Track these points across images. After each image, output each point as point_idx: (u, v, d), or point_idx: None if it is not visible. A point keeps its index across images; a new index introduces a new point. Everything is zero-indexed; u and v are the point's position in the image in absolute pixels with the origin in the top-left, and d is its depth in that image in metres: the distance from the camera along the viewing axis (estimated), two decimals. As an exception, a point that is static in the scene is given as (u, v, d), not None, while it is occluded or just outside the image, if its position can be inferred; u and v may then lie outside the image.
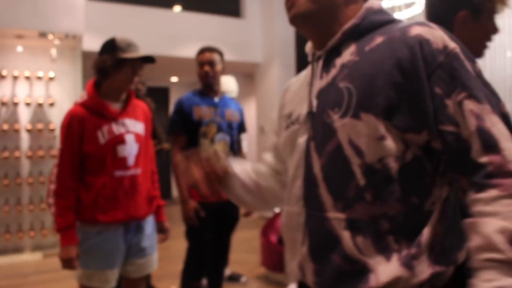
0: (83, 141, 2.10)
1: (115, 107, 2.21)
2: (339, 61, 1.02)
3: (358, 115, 0.93)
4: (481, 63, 1.09)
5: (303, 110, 1.08)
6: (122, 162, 2.15)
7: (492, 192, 0.85)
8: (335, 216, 0.96)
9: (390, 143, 0.92)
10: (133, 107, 2.29)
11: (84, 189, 2.11)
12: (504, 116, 0.89)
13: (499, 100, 0.92)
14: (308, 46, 1.15)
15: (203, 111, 2.86)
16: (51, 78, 5.23)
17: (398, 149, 0.92)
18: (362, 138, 0.93)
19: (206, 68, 2.90)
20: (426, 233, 0.92)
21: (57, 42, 5.23)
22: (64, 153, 2.10)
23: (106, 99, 2.18)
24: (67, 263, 2.06)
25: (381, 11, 1.05)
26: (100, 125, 2.12)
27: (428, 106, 0.90)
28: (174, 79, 10.80)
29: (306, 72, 1.19)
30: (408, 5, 4.39)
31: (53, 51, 5.26)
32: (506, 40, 4.56)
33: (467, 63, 0.91)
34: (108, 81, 2.17)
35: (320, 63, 1.06)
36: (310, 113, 1.05)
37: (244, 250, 5.07)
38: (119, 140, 2.15)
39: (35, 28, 4.91)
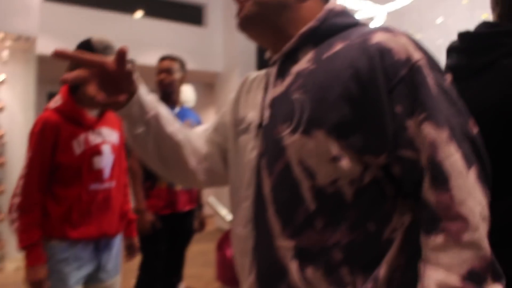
0: (56, 150, 1.90)
1: (92, 114, 2.02)
2: (295, 68, 0.92)
3: (309, 132, 0.83)
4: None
5: (254, 119, 0.99)
6: (98, 175, 1.98)
7: (437, 239, 0.75)
8: (283, 244, 0.87)
9: (345, 164, 0.81)
10: (109, 114, 2.10)
11: (53, 202, 1.92)
12: (470, 139, 0.79)
13: (466, 121, 0.80)
14: (267, 51, 1.06)
15: None
16: (1, 82, 4.98)
17: (355, 171, 0.82)
18: (313, 158, 0.83)
19: (162, 76, 2.81)
20: (384, 265, 0.82)
21: (9, 43, 5.00)
22: (32, 163, 1.89)
23: (82, 106, 1.98)
24: (36, 286, 1.86)
25: (343, 13, 0.96)
26: (76, 134, 1.93)
27: (387, 126, 0.79)
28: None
29: (267, 71, 1.08)
30: (369, 19, 4.44)
31: (5, 53, 5.02)
32: None
33: (430, 78, 0.80)
34: (84, 88, 1.92)
35: (275, 68, 0.97)
36: (260, 126, 0.95)
37: (199, 264, 4.94)
38: (96, 150, 1.97)
39: (-14, 28, 4.68)
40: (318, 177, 0.83)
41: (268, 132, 0.91)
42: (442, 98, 0.79)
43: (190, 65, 7.72)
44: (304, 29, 0.92)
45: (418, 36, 5.10)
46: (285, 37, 0.95)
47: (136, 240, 2.30)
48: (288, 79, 0.92)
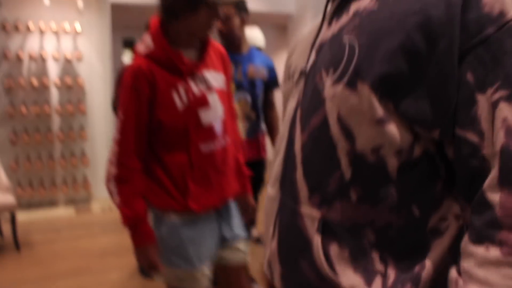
0: (155, 106, 1.54)
1: (190, 57, 1.62)
2: (355, 6, 0.75)
3: (354, 84, 0.67)
4: None
5: (299, 64, 0.86)
6: (208, 132, 1.61)
7: (491, 251, 0.57)
8: (309, 213, 0.75)
9: (392, 130, 0.66)
10: (211, 54, 1.70)
11: (162, 170, 1.60)
12: None
13: None
14: None
15: None
16: (78, 32, 5.10)
17: (403, 140, 0.66)
18: (355, 117, 0.68)
19: (219, 25, 2.68)
20: (428, 263, 0.68)
21: (82, -8, 5.07)
22: (126, 124, 1.55)
23: (177, 47, 1.59)
24: (149, 267, 1.61)
25: None
26: (174, 84, 1.55)
27: (450, 96, 0.62)
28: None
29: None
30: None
31: (80, 3, 5.11)
32: None
33: None
34: (180, 25, 1.55)
35: (334, 4, 0.80)
36: (304, 71, 0.82)
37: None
38: (202, 102, 1.60)
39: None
40: (358, 140, 0.69)
41: (311, 79, 0.78)
42: None
43: (261, 7, 7.56)
44: None
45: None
46: None
47: (251, 199, 1.97)
48: (344, 19, 0.76)
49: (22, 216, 4.58)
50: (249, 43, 3.11)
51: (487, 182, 0.59)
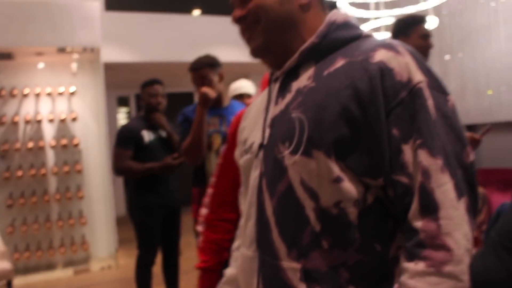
0: None
1: None
2: (295, 85, 0.90)
3: (309, 152, 0.81)
4: None
5: (256, 138, 0.97)
6: None
7: (419, 265, 0.74)
8: (290, 266, 0.85)
9: (347, 186, 0.80)
10: None
11: None
12: (464, 168, 0.77)
13: (462, 148, 0.78)
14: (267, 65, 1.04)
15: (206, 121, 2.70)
16: (72, 93, 5.20)
17: (357, 192, 0.81)
18: (315, 179, 0.81)
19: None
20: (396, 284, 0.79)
21: (76, 56, 5.20)
22: (222, 169, 1.51)
23: None
24: None
25: (346, 24, 0.91)
26: None
27: (384, 149, 0.78)
28: (197, 84, 10.77)
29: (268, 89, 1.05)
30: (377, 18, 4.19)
31: (73, 66, 5.23)
32: None
33: (430, 102, 0.77)
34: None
35: (277, 85, 0.95)
36: (261, 145, 0.93)
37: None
38: None
39: (54, 44, 4.89)
40: (321, 198, 0.82)
41: (268, 152, 0.90)
42: (441, 123, 0.77)
43: (253, 58, 7.72)
44: (305, 45, 0.90)
45: (490, 5, 4.75)
46: (290, 54, 0.92)
47: None
48: (288, 97, 0.90)
49: (19, 281, 4.50)
50: (237, 93, 3.20)
51: (411, 212, 0.77)
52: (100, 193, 5.33)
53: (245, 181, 1.02)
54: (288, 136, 0.85)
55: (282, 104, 0.91)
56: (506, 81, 4.63)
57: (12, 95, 4.95)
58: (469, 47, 5.04)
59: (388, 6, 4.37)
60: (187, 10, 8.09)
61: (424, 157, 0.76)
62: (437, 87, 0.80)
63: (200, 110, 2.50)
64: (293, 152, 0.83)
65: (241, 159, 1.03)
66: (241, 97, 3.64)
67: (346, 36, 0.90)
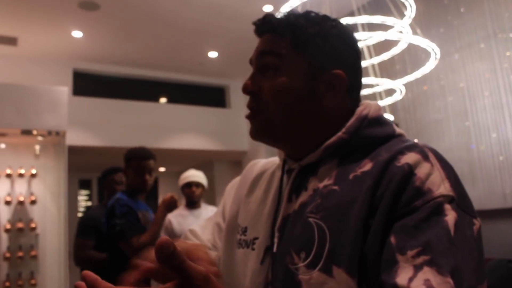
0: None
1: None
2: (313, 183, 0.79)
3: (329, 270, 0.69)
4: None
5: (261, 236, 0.85)
6: None
7: None
8: None
9: None
10: None
11: None
12: None
13: (479, 283, 0.64)
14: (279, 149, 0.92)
15: (143, 215, 2.78)
16: (33, 175, 5.12)
17: None
18: None
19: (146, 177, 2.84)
20: None
21: (40, 138, 5.19)
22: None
23: None
24: None
25: (379, 120, 0.81)
26: None
27: (380, 256, 0.67)
28: (162, 169, 10.79)
29: (275, 168, 0.94)
30: (389, 92, 4.48)
31: (37, 148, 5.20)
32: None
33: (451, 218, 0.65)
34: None
35: (290, 180, 0.83)
36: (270, 250, 0.81)
37: None
38: None
39: (18, 126, 4.89)
40: None
41: (279, 260, 0.78)
42: (459, 246, 0.64)
43: (216, 146, 7.87)
44: (331, 140, 0.79)
45: (441, 101, 5.11)
46: (305, 143, 0.83)
47: None
48: (304, 196, 0.79)
49: None
50: (186, 182, 3.66)
51: None
52: (55, 281, 5.08)
53: (238, 274, 0.88)
54: (305, 245, 0.73)
55: (296, 204, 0.79)
56: (459, 173, 4.85)
57: (-30, 176, 4.84)
58: (424, 140, 5.32)
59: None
60: (154, 98, 8.30)
61: (431, 276, 0.60)
62: (464, 205, 0.69)
63: (163, 212, 2.67)
64: (310, 267, 0.71)
65: (239, 249, 0.90)
66: (190, 186, 3.72)
67: (379, 135, 0.80)
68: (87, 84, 7.53)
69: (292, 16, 0.84)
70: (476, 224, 0.69)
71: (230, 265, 0.91)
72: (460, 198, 0.69)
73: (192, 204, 3.77)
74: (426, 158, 0.71)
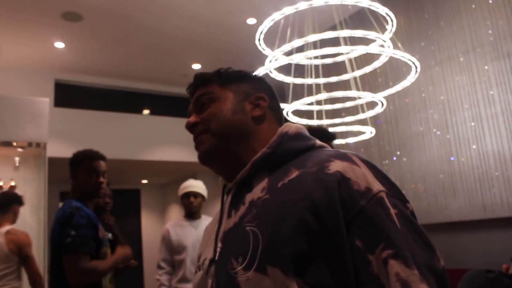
0: None
1: None
2: (249, 197, 0.88)
3: (263, 269, 0.76)
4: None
5: (208, 254, 0.93)
6: None
7: None
8: None
9: None
10: None
11: None
12: (437, 276, 0.73)
13: (432, 256, 0.75)
14: (220, 177, 1.03)
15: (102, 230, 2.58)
16: (12, 187, 5.03)
17: None
18: None
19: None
20: None
21: (20, 150, 5.11)
22: None
23: None
24: None
25: (299, 136, 0.93)
26: None
27: (347, 261, 0.73)
28: (144, 181, 10.70)
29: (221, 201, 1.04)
30: (371, 105, 4.52)
31: (16, 159, 5.12)
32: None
33: (392, 211, 0.75)
34: None
35: (229, 198, 0.93)
36: (213, 260, 0.89)
37: None
38: None
39: (-2, 137, 4.82)
40: None
41: (220, 268, 0.85)
42: (407, 232, 0.75)
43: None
44: (257, 156, 0.90)
45: (422, 114, 5.17)
46: (241, 165, 0.93)
47: None
48: (242, 209, 0.87)
49: None
50: (184, 192, 3.32)
51: None
52: (33, 295, 4.98)
53: None
54: (241, 251, 0.80)
55: (236, 217, 0.87)
56: (441, 184, 4.92)
57: None
58: (406, 152, 5.38)
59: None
60: (137, 110, 8.26)
61: (400, 268, 0.70)
62: (396, 194, 0.79)
63: (118, 261, 2.52)
64: (246, 268, 0.78)
65: (194, 277, 0.98)
66: (188, 196, 3.68)
67: (299, 147, 0.90)
68: (69, 95, 7.47)
69: (212, 72, 1.03)
70: (409, 207, 0.80)
71: None
72: (391, 189, 0.79)
73: (191, 215, 3.73)
74: (352, 162, 0.81)
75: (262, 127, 0.96)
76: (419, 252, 0.73)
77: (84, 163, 2.55)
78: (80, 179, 2.55)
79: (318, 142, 0.95)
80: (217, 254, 0.88)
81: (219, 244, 0.89)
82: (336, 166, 0.80)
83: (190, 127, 0.98)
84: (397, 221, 0.75)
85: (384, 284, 0.71)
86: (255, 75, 1.06)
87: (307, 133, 0.96)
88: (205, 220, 3.79)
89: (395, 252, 0.71)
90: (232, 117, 0.95)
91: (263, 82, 1.05)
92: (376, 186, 0.78)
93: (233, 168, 0.94)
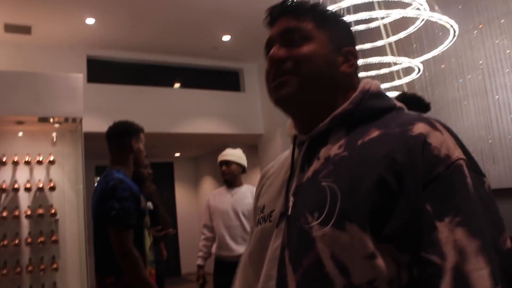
0: None
1: None
2: (324, 152, 0.86)
3: (342, 225, 0.75)
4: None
5: (277, 207, 0.92)
6: None
7: None
8: None
9: (381, 263, 0.73)
10: None
11: None
12: (501, 255, 0.71)
13: (499, 234, 0.73)
14: (288, 126, 0.99)
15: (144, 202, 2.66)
16: (51, 162, 5.16)
17: (392, 270, 0.74)
18: (347, 254, 0.75)
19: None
20: None
21: (57, 125, 5.22)
22: None
23: None
24: None
25: (379, 94, 0.90)
26: None
27: (415, 223, 0.73)
28: (177, 154, 10.83)
29: (287, 152, 1.02)
30: (406, 72, 4.40)
31: (54, 135, 5.24)
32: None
33: (469, 180, 0.74)
34: None
35: (302, 151, 0.91)
36: (285, 214, 0.88)
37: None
38: None
39: (36, 113, 4.92)
40: (353, 275, 0.74)
41: (293, 222, 0.84)
42: (479, 204, 0.73)
43: (232, 130, 7.87)
44: (338, 111, 0.88)
45: (459, 80, 5.02)
46: (320, 118, 0.89)
47: None
48: (316, 164, 0.86)
49: None
50: (219, 161, 3.47)
51: None
52: (76, 265, 5.16)
53: (260, 251, 0.94)
54: (317, 206, 0.80)
55: (309, 172, 0.87)
56: (479, 152, 4.79)
57: (-10, 164, 4.90)
58: (443, 119, 5.24)
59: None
60: (168, 83, 8.29)
61: (462, 236, 0.70)
62: (474, 167, 0.78)
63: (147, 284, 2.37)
64: (323, 224, 0.77)
65: (257, 227, 0.97)
66: (221, 165, 3.72)
67: (380, 106, 0.88)
68: (100, 70, 7.54)
69: (306, 2, 0.95)
70: (486, 182, 0.78)
71: (255, 250, 0.97)
72: (470, 161, 0.78)
73: (227, 183, 3.79)
74: (435, 127, 0.79)
75: (348, 83, 0.92)
76: (487, 227, 0.72)
77: (131, 134, 2.62)
78: (126, 149, 2.62)
79: (397, 102, 0.92)
80: (290, 208, 0.87)
81: (291, 198, 0.88)
82: (419, 129, 0.78)
83: (276, 62, 0.90)
84: (472, 192, 0.73)
85: (443, 251, 0.70)
86: (348, 21, 0.98)
87: (385, 93, 0.94)
88: (246, 190, 3.83)
89: (463, 221, 0.71)
90: (325, 67, 0.89)
91: (352, 32, 0.98)
92: (457, 153, 0.77)
93: (311, 119, 0.90)
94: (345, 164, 0.81)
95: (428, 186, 0.73)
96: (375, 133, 0.82)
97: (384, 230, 0.74)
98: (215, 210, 3.78)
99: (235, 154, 3.81)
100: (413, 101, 2.46)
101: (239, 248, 3.60)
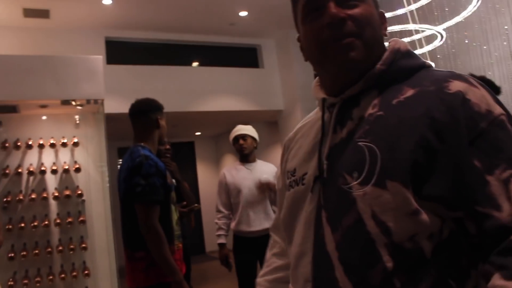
0: None
1: None
2: (357, 113, 0.86)
3: (383, 183, 0.76)
4: None
5: (310, 169, 0.93)
6: None
7: None
8: None
9: (424, 218, 0.75)
10: None
11: None
12: None
13: None
14: (315, 88, 0.98)
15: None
16: (75, 144, 5.24)
17: (434, 225, 0.76)
18: (390, 212, 0.76)
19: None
20: None
21: (79, 107, 5.28)
22: None
23: None
24: None
25: (409, 53, 0.91)
26: None
27: (467, 180, 0.74)
28: (197, 133, 10.88)
29: (315, 116, 1.02)
30: (428, 40, 4.31)
31: (77, 117, 5.30)
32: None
33: None
34: None
35: (334, 113, 0.90)
36: (320, 177, 0.88)
37: None
38: None
39: (58, 97, 4.97)
40: (395, 232, 0.76)
41: (330, 184, 0.85)
42: None
43: (251, 106, 7.85)
44: (371, 72, 0.87)
45: (483, 48, 4.89)
46: (352, 77, 0.88)
47: None
48: (350, 125, 0.86)
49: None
50: (233, 136, 3.73)
51: (505, 246, 0.69)
52: (104, 245, 5.26)
53: (293, 214, 0.96)
54: (356, 166, 0.80)
55: (343, 133, 0.87)
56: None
57: (16, 147, 4.99)
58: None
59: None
60: (186, 63, 8.27)
61: None
62: None
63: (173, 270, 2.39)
64: (363, 183, 0.78)
65: (290, 191, 0.98)
66: (237, 140, 3.72)
67: (411, 65, 0.88)
68: (119, 52, 7.56)
69: None
70: None
71: (288, 213, 0.97)
72: (509, 116, 0.78)
73: (244, 157, 3.80)
74: (471, 84, 0.80)
75: (384, 45, 0.92)
76: None
77: (157, 111, 2.66)
78: (153, 126, 2.65)
79: (426, 61, 0.93)
80: (325, 171, 0.87)
81: (325, 161, 0.88)
82: (456, 86, 0.79)
83: (338, 22, 0.85)
84: None
85: (501, 204, 0.72)
86: None
87: (413, 52, 0.94)
88: (261, 165, 3.83)
89: None
90: (378, 30, 0.91)
91: None
92: (498, 109, 0.78)
93: (350, 81, 0.88)
94: (382, 123, 0.81)
95: (474, 143, 0.74)
96: (409, 92, 0.82)
97: (427, 189, 0.75)
98: (234, 188, 3.76)
99: (249, 129, 3.81)
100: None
101: (264, 223, 3.62)
